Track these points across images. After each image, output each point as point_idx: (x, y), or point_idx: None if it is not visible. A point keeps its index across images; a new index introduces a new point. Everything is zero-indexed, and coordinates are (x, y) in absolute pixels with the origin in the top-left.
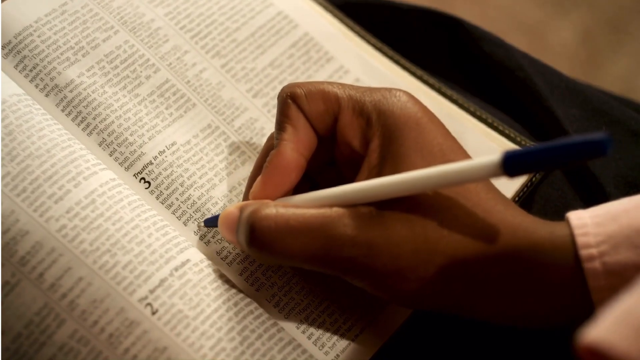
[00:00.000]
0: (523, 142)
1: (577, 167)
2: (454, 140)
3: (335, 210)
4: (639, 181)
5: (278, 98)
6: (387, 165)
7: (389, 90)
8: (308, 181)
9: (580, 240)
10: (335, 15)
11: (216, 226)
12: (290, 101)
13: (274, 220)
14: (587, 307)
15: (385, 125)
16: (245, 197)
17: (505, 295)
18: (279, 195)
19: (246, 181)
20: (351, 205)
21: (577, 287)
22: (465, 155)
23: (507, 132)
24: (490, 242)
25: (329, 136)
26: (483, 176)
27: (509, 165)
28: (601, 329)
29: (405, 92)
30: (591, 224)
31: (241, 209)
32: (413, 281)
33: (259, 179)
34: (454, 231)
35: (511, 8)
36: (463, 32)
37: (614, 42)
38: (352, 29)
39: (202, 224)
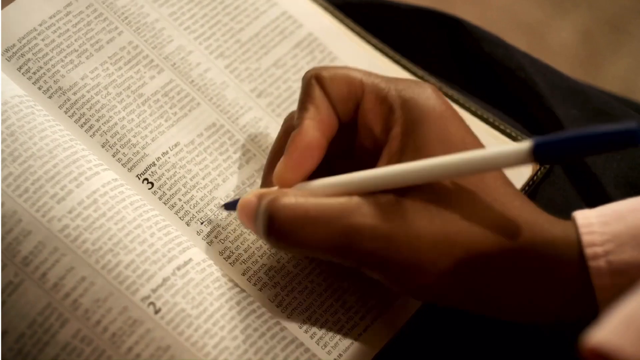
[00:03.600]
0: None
1: (578, 168)
2: (475, 137)
3: (355, 200)
4: None
5: (303, 79)
6: (408, 153)
7: (415, 81)
8: (326, 169)
9: (585, 238)
10: (335, 16)
11: (235, 210)
12: (315, 82)
13: (293, 210)
14: (591, 306)
15: (408, 114)
16: (264, 182)
17: (519, 290)
18: (303, 176)
19: (250, 180)
20: (371, 192)
21: (582, 285)
22: None
23: (508, 130)
24: (508, 237)
25: (350, 123)
26: (513, 163)
27: (540, 151)
28: (606, 331)
29: (431, 85)
30: (597, 222)
31: (260, 198)
32: (431, 274)
33: (282, 159)
34: (472, 225)
35: (511, 8)
36: (463, 32)
37: (614, 42)
38: (352, 29)
39: (222, 207)
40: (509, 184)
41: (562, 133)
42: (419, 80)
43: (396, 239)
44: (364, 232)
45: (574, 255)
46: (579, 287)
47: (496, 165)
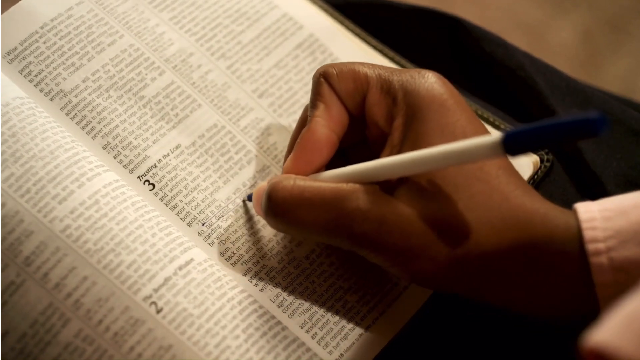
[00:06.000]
0: None
1: (578, 166)
2: (479, 124)
3: (350, 185)
4: None
5: (313, 77)
6: (407, 143)
7: (419, 71)
8: (343, 158)
9: (588, 234)
10: (335, 18)
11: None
12: (323, 80)
13: (290, 191)
14: (591, 303)
15: (410, 105)
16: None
17: (517, 281)
18: (311, 170)
19: (251, 181)
20: (367, 182)
21: (582, 280)
22: None
23: (508, 130)
24: (506, 227)
25: (361, 115)
26: (484, 155)
27: (510, 143)
28: (606, 332)
29: (435, 73)
30: (600, 217)
31: (268, 182)
32: (425, 261)
33: (290, 156)
34: (467, 213)
35: (511, 8)
36: (463, 32)
37: (614, 42)
38: (352, 30)
39: (247, 199)
40: (512, 173)
41: (528, 125)
42: (423, 70)
43: (387, 223)
44: (356, 214)
45: (574, 250)
46: (579, 282)
47: (468, 158)
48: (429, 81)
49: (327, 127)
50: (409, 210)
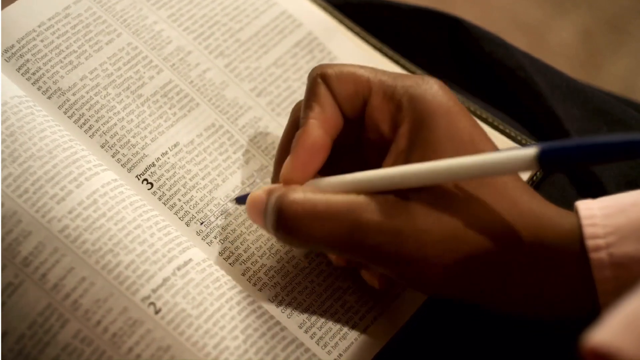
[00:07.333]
0: (524, 141)
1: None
2: (482, 130)
3: (362, 197)
4: None
5: (308, 77)
6: (416, 151)
7: (422, 77)
8: (333, 164)
9: (587, 230)
10: (334, 16)
11: (244, 204)
12: (320, 80)
13: (302, 205)
14: (591, 299)
15: (416, 111)
16: (275, 176)
17: (525, 284)
18: (309, 175)
19: (249, 180)
20: (379, 191)
21: (582, 277)
22: (493, 146)
23: (507, 131)
24: (516, 232)
25: (356, 119)
26: (517, 169)
27: (545, 158)
28: (607, 332)
29: (437, 80)
30: (600, 215)
31: (269, 193)
32: (438, 269)
33: (288, 159)
34: (481, 220)
35: (511, 8)
36: (463, 32)
37: (614, 42)
38: (351, 29)
39: (234, 201)
40: (517, 178)
41: (568, 140)
42: (425, 75)
43: (403, 234)
44: (371, 227)
45: (575, 247)
46: (579, 280)
47: (501, 171)
48: (434, 88)
49: (323, 129)
50: (424, 220)
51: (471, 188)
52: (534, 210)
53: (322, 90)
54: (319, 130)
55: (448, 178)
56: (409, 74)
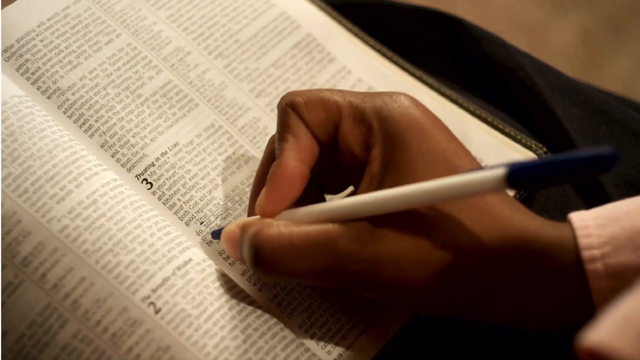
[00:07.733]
0: (524, 141)
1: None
2: (458, 143)
3: (338, 226)
4: (639, 181)
5: (278, 107)
6: (390, 174)
7: (390, 95)
8: (313, 185)
9: (582, 241)
10: (333, 17)
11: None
12: (290, 110)
13: (277, 241)
14: (588, 309)
15: (387, 133)
16: (250, 208)
17: (513, 299)
18: (285, 206)
19: (249, 180)
20: (354, 219)
21: (578, 288)
22: (470, 159)
23: (507, 130)
24: (497, 248)
25: (332, 143)
26: (486, 190)
27: (515, 178)
28: (602, 332)
29: (407, 95)
30: (594, 225)
31: (242, 228)
32: (421, 290)
33: (263, 191)
34: (459, 239)
35: (511, 8)
36: (463, 32)
37: (614, 42)
38: (350, 30)
39: (210, 237)
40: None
41: (535, 160)
42: (394, 92)
43: (381, 260)
44: (350, 256)
45: (570, 258)
46: (576, 291)
47: (470, 193)
48: (403, 105)
49: (298, 159)
50: (399, 244)
51: (448, 208)
52: (515, 224)
53: (294, 119)
54: (295, 162)
55: (419, 203)
56: (378, 92)
